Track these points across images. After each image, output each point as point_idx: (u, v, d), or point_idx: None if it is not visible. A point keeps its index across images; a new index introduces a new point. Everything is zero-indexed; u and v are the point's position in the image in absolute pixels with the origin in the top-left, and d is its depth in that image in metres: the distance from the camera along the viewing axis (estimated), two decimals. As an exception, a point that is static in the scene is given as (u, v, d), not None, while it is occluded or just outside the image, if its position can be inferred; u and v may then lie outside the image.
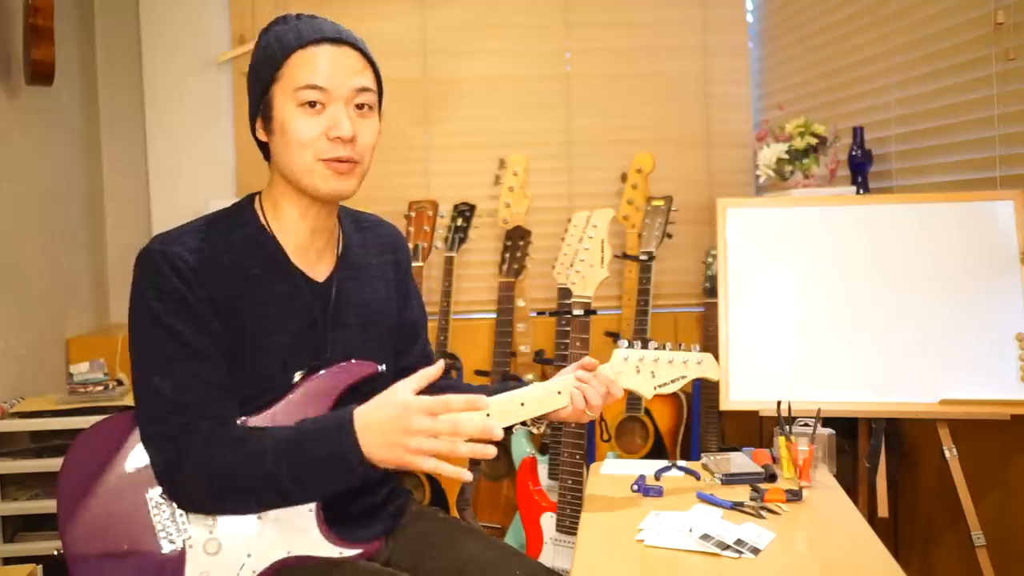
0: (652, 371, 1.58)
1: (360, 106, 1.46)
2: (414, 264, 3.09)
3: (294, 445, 1.34)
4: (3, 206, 2.64)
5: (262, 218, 1.50)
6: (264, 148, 1.51)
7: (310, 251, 1.51)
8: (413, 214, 3.19)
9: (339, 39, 1.44)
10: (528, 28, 3.57)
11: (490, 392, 1.49)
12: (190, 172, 3.49)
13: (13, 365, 2.64)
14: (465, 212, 3.32)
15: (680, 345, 1.62)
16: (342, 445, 1.32)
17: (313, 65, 1.42)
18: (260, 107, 1.46)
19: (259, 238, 1.48)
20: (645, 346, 1.59)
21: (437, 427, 1.31)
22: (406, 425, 1.31)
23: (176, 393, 1.36)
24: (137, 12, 3.48)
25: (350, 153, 1.44)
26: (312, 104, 1.42)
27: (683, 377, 1.60)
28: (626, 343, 1.58)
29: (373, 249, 1.62)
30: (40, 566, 2.09)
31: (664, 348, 1.60)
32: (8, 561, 2.44)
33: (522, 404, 1.48)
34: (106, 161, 3.46)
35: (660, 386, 1.59)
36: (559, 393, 1.51)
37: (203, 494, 1.37)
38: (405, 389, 1.35)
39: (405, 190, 3.45)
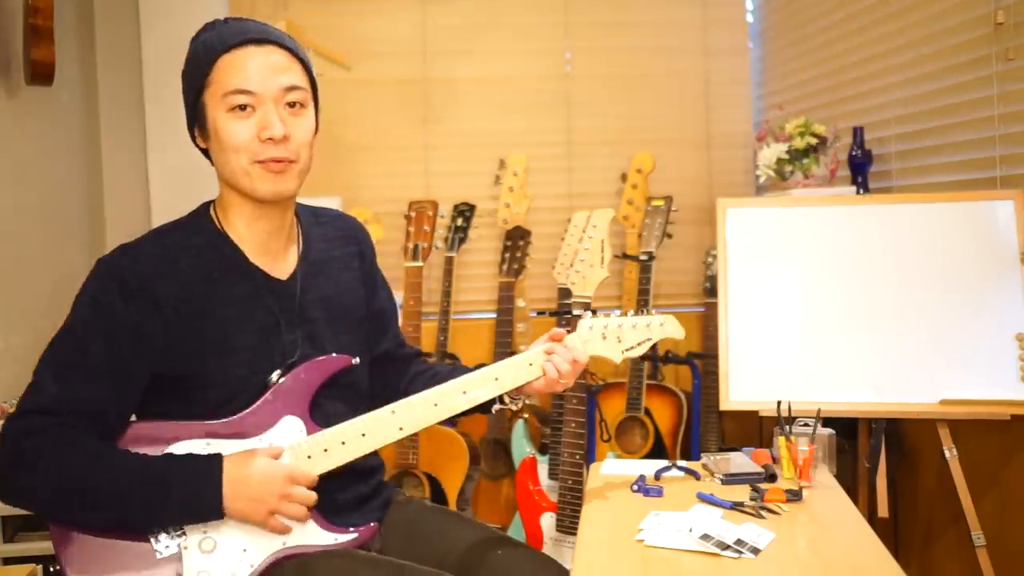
0: (618, 336, 1.60)
1: (292, 104, 1.46)
2: (414, 264, 3.09)
3: (158, 478, 1.36)
4: (3, 206, 2.64)
5: (217, 223, 1.51)
6: (207, 155, 1.53)
7: (269, 251, 1.52)
8: (413, 214, 3.19)
9: (263, 39, 1.45)
10: (528, 28, 3.57)
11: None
12: (190, 172, 3.47)
13: (13, 365, 2.64)
14: (465, 212, 3.32)
15: (642, 310, 1.64)
16: (204, 493, 1.36)
17: (239, 69, 1.43)
18: (194, 115, 1.49)
19: (216, 242, 1.49)
20: (608, 314, 1.61)
21: (306, 499, 1.41)
22: (285, 491, 1.39)
23: (58, 397, 1.37)
24: (137, 12, 3.48)
25: (284, 153, 1.44)
26: (242, 108, 1.43)
27: (648, 340, 1.62)
28: (590, 313, 1.62)
29: (335, 242, 1.63)
30: (40, 566, 2.09)
31: (627, 315, 1.62)
32: (8, 561, 2.43)
33: (496, 379, 1.53)
34: (106, 161, 3.45)
35: (627, 350, 1.61)
36: (530, 365, 1.55)
37: (44, 496, 1.36)
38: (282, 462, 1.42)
39: (405, 190, 3.45)
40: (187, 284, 1.43)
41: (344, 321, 1.58)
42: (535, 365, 1.55)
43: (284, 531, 1.41)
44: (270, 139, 1.42)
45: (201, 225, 1.51)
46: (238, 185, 1.46)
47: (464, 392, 1.51)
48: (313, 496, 1.42)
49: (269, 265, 1.52)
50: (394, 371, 1.70)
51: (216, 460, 1.39)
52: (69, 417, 1.37)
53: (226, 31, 1.45)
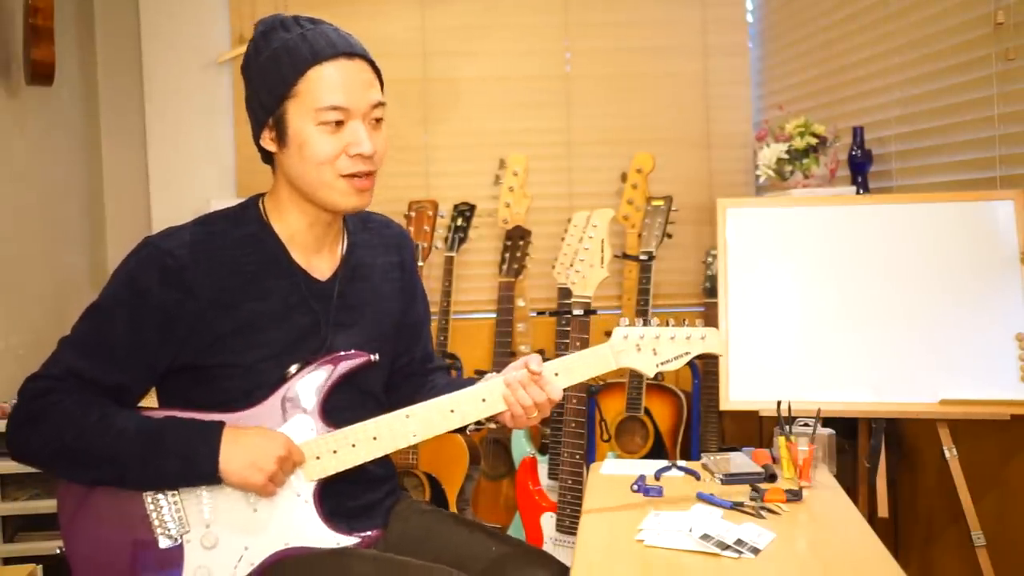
0: (653, 348, 1.53)
1: (375, 120, 1.47)
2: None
3: (157, 437, 1.39)
4: (3, 206, 2.64)
5: (265, 218, 1.51)
6: (265, 154, 1.51)
7: (313, 252, 1.53)
8: (413, 214, 3.19)
9: (352, 52, 1.44)
10: (528, 28, 3.57)
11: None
12: (190, 172, 3.49)
13: (13, 365, 2.64)
14: (465, 212, 3.32)
15: (684, 322, 1.57)
16: (201, 454, 1.38)
17: (332, 84, 1.42)
18: (269, 119, 1.45)
19: (260, 236, 1.50)
20: (645, 320, 1.55)
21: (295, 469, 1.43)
22: (282, 454, 1.40)
23: (75, 368, 1.40)
24: (137, 12, 3.48)
25: (371, 167, 1.46)
26: (336, 123, 1.42)
27: (687, 353, 1.55)
28: (626, 321, 1.55)
29: (378, 249, 1.63)
30: (40, 566, 2.09)
31: (666, 325, 1.55)
32: (8, 561, 2.44)
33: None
34: (106, 161, 3.45)
35: (663, 363, 1.54)
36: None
37: (47, 453, 1.40)
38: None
39: (405, 190, 3.45)
40: (225, 275, 1.44)
41: (377, 328, 1.58)
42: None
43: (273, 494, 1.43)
44: (359, 155, 1.43)
45: (248, 218, 1.51)
46: (315, 196, 1.46)
47: (484, 400, 1.48)
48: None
49: (311, 265, 1.52)
50: (415, 384, 1.69)
51: (215, 424, 1.40)
52: (84, 387, 1.40)
53: (314, 39, 1.42)
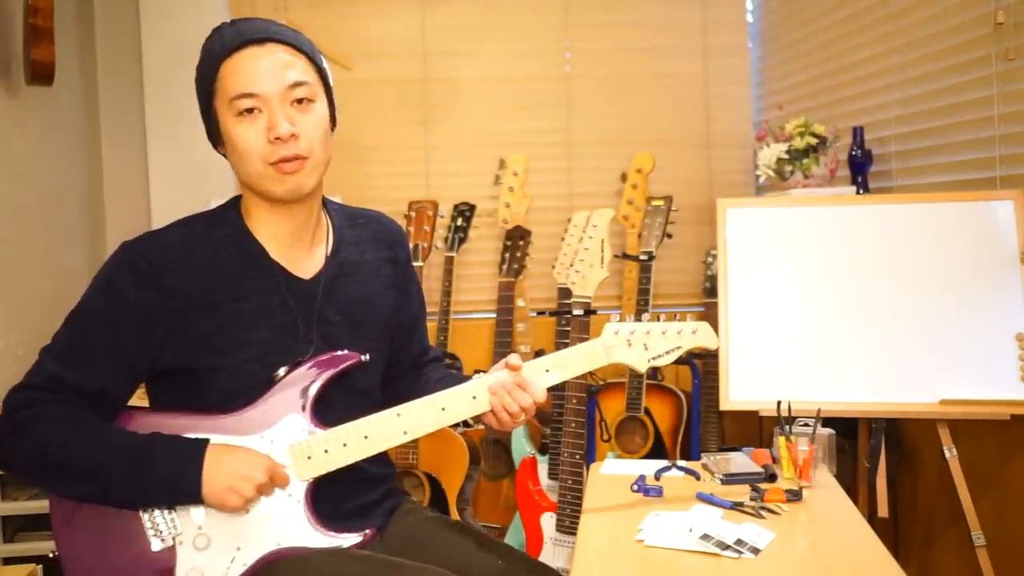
0: (645, 343, 1.52)
1: (299, 100, 1.44)
2: (414, 264, 3.09)
3: (141, 456, 1.38)
4: (3, 206, 2.64)
5: (242, 219, 1.52)
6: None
7: (294, 249, 1.52)
8: (413, 214, 3.19)
9: (263, 38, 1.43)
10: (528, 29, 3.57)
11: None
12: (190, 172, 3.49)
13: (13, 365, 2.64)
14: (465, 212, 3.32)
15: (675, 316, 1.56)
16: (185, 472, 1.37)
17: (241, 72, 1.42)
18: (210, 125, 1.48)
19: (238, 236, 1.50)
20: (638, 319, 1.54)
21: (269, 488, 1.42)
22: (263, 481, 1.39)
23: (57, 375, 1.40)
24: (137, 12, 3.48)
25: (295, 151, 1.43)
26: (249, 111, 1.42)
27: (678, 348, 1.53)
28: (617, 317, 1.54)
29: (368, 245, 1.61)
30: (40, 566, 2.09)
31: (657, 320, 1.54)
32: (8, 561, 2.43)
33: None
34: (106, 161, 3.45)
35: (654, 358, 1.53)
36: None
37: (32, 466, 1.39)
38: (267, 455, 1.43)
39: (405, 190, 3.45)
40: (203, 275, 1.44)
41: (367, 326, 1.57)
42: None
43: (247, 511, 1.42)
44: (278, 139, 1.41)
45: (227, 218, 1.51)
46: (255, 188, 1.47)
47: (474, 397, 1.48)
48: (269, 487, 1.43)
49: (293, 263, 1.51)
50: (410, 379, 1.69)
51: (200, 444, 1.40)
52: (67, 394, 1.40)
53: (227, 35, 1.44)
